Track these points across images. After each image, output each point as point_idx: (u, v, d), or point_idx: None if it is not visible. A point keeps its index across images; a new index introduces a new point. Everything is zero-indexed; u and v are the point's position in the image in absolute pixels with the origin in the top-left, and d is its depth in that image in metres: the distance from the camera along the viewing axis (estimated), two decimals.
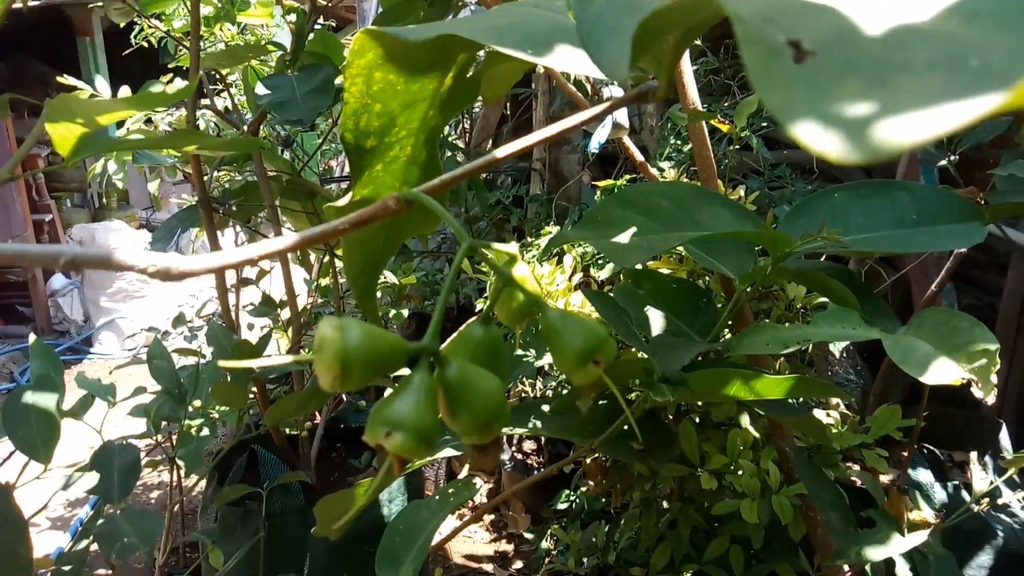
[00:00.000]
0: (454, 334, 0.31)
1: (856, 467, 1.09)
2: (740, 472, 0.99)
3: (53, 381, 0.75)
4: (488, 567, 1.71)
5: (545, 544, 1.62)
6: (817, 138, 0.15)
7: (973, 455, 1.03)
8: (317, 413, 1.56)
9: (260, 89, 1.08)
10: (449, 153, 2.08)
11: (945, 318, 0.62)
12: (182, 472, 1.18)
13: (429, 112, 0.38)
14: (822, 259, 0.93)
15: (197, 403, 1.06)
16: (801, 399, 1.05)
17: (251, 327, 1.75)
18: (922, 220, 0.72)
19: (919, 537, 0.77)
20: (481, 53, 0.41)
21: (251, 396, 1.25)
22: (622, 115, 1.19)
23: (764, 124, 1.76)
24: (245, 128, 1.27)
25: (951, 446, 1.31)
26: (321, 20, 1.42)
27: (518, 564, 1.71)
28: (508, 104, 2.72)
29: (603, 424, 0.82)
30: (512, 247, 0.31)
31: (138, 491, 2.11)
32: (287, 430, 1.45)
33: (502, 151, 0.32)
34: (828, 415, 1.12)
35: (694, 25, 0.27)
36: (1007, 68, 0.14)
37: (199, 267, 0.23)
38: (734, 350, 0.68)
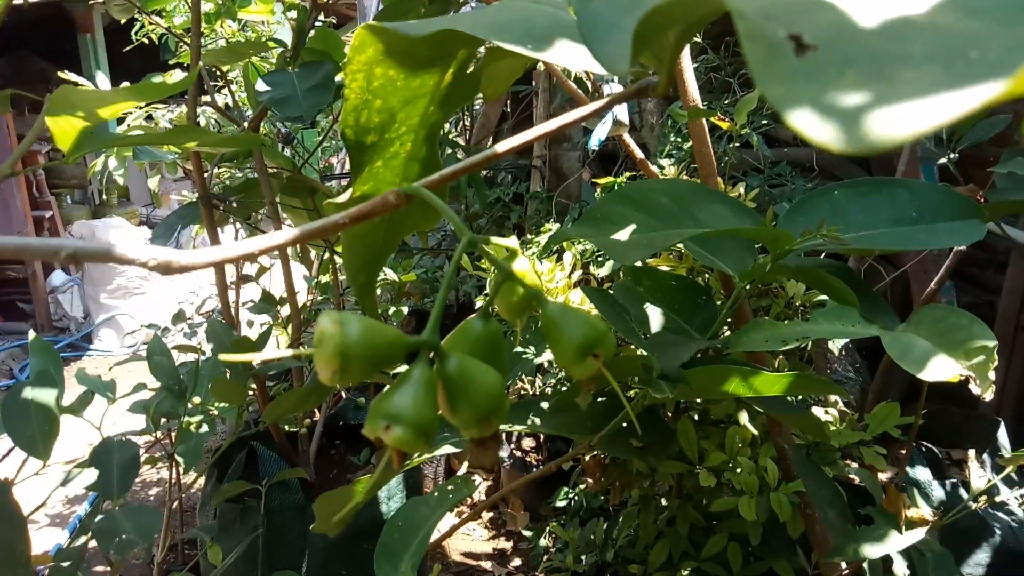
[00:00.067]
0: (454, 329, 0.31)
1: (854, 465, 1.09)
2: (739, 469, 0.99)
3: (53, 377, 0.75)
4: (486, 564, 1.71)
5: (544, 542, 1.63)
6: (816, 128, 0.15)
7: (971, 453, 1.03)
8: (316, 410, 1.57)
9: (261, 86, 1.08)
10: (449, 150, 2.08)
11: (944, 315, 0.62)
12: (181, 469, 1.19)
13: (429, 108, 0.38)
14: (822, 256, 0.93)
15: (196, 400, 1.06)
16: (800, 396, 1.05)
17: (251, 324, 1.75)
18: (922, 218, 0.72)
19: (917, 534, 0.77)
20: (481, 49, 0.41)
21: (250, 393, 1.25)
22: (623, 112, 1.19)
23: (764, 122, 1.76)
24: (246, 125, 1.27)
25: (949, 444, 1.31)
26: (322, 17, 1.42)
27: (516, 561, 1.71)
28: (509, 102, 2.72)
29: (602, 421, 0.82)
30: (512, 242, 0.31)
31: (137, 488, 2.11)
32: (286, 427, 1.46)
33: (502, 146, 0.32)
34: (827, 412, 1.12)
35: (695, 21, 0.27)
36: (1005, 58, 0.14)
37: (199, 261, 0.23)
38: (733, 347, 0.68)
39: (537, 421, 0.84)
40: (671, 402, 1.06)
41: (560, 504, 1.61)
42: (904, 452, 1.14)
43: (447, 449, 0.81)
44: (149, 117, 1.81)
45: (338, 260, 1.48)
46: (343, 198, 0.36)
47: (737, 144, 1.54)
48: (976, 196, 0.85)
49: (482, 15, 0.32)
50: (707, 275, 1.14)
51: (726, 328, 0.93)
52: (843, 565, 0.89)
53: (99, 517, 0.76)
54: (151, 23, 1.68)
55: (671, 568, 1.09)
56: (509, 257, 0.32)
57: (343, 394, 1.72)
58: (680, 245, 0.97)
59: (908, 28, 0.17)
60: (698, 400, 1.08)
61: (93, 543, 0.78)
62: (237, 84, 1.84)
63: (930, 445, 1.29)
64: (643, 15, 0.24)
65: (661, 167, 1.59)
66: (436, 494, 0.73)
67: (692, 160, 1.57)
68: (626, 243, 0.66)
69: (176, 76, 1.71)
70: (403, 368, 0.26)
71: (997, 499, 1.03)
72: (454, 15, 0.34)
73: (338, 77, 1.15)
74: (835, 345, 1.33)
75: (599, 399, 0.85)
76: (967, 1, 0.18)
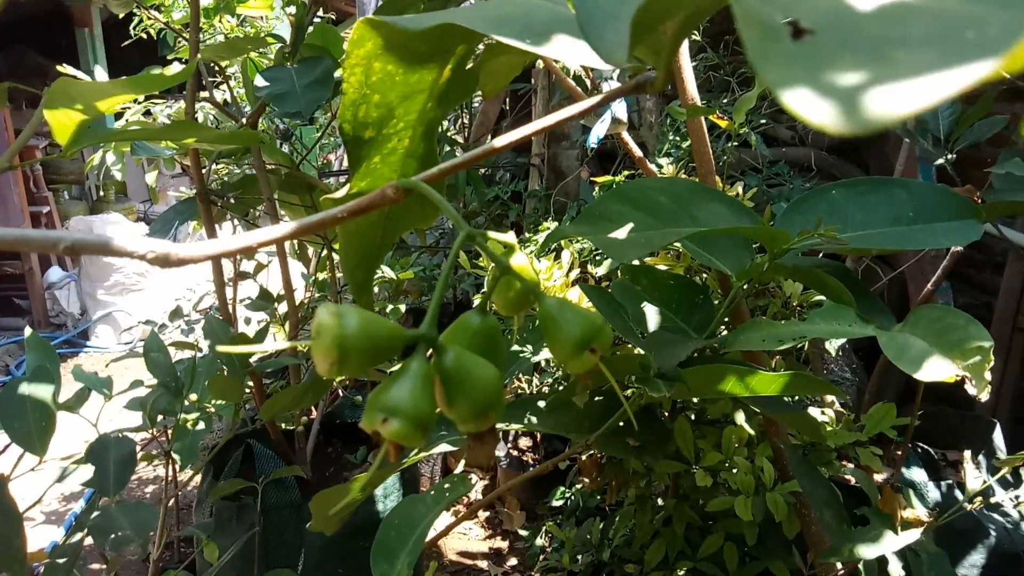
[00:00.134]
0: (451, 324, 0.31)
1: (850, 465, 1.10)
2: (735, 469, 1.00)
3: (49, 373, 0.75)
4: (482, 564, 1.71)
5: (540, 541, 1.63)
6: (812, 108, 0.15)
7: (967, 454, 1.03)
8: (313, 408, 1.56)
9: (259, 81, 1.08)
10: (448, 148, 2.08)
11: (940, 315, 0.62)
12: (177, 466, 1.18)
13: (427, 104, 0.38)
14: (819, 256, 0.93)
15: (193, 397, 1.06)
16: (796, 396, 1.05)
17: (248, 321, 1.75)
18: (919, 218, 0.72)
19: (912, 535, 0.77)
20: (480, 46, 0.41)
21: (247, 390, 1.25)
22: (621, 110, 1.19)
23: (763, 121, 1.76)
24: (244, 121, 1.27)
25: (945, 445, 1.31)
26: (320, 13, 1.42)
27: (512, 561, 1.71)
28: (507, 99, 2.72)
29: (599, 420, 0.82)
30: (510, 237, 0.31)
31: (133, 485, 2.11)
32: (283, 425, 1.45)
33: (500, 141, 0.32)
34: (823, 413, 1.12)
35: (693, 13, 0.26)
36: (1001, 37, 0.14)
37: (198, 254, 0.23)
38: (730, 346, 0.68)
39: (534, 420, 0.84)
40: (668, 401, 1.06)
41: (556, 503, 1.61)
42: (900, 453, 1.14)
43: (443, 448, 0.81)
44: (147, 112, 1.80)
45: (335, 257, 1.48)
46: (340, 194, 0.36)
47: (735, 143, 1.54)
48: (973, 197, 0.85)
49: (481, 10, 0.32)
50: (705, 274, 1.14)
51: (723, 327, 0.93)
52: (839, 565, 0.89)
53: (95, 514, 0.76)
54: (149, 18, 1.67)
55: (667, 568, 1.10)
56: (506, 253, 0.32)
57: (340, 392, 1.72)
58: (678, 244, 0.97)
59: (906, 12, 0.17)
60: (695, 400, 1.08)
61: (89, 540, 0.78)
62: (235, 80, 1.84)
63: (926, 446, 1.29)
64: (641, 4, 0.24)
65: (659, 166, 1.59)
66: (432, 492, 0.73)
67: (690, 159, 1.57)
68: (624, 241, 0.66)
69: (175, 69, 1.71)
70: (398, 365, 0.26)
71: (992, 500, 1.03)
72: (453, 9, 0.34)
73: (337, 73, 1.15)
74: (832, 345, 1.33)
75: (596, 398, 0.85)
76: None
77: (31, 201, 3.82)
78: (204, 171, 1.24)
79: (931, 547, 0.78)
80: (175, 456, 1.08)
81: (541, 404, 0.85)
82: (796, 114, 0.15)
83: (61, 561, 0.69)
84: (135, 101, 1.65)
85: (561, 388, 1.46)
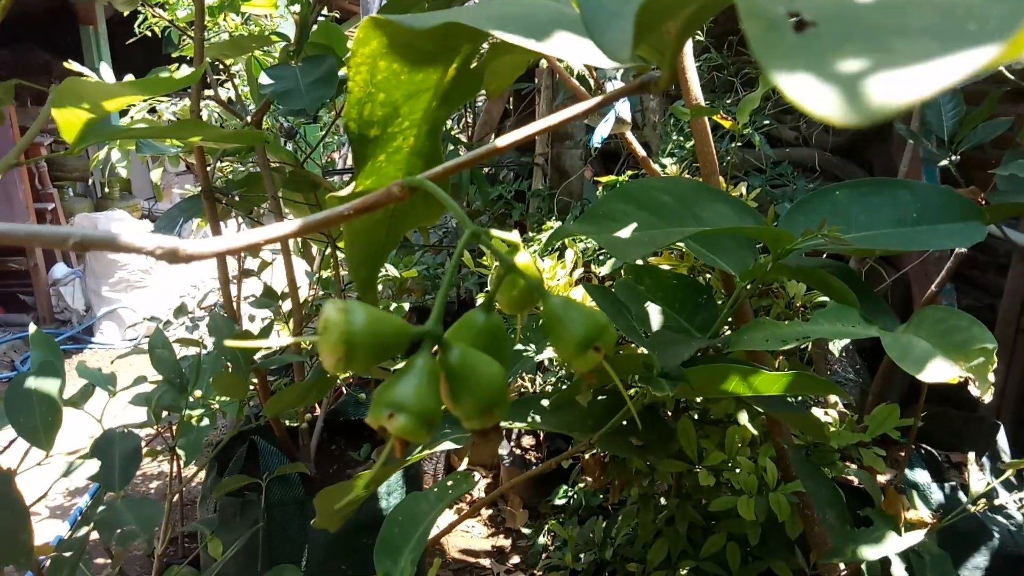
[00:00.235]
0: (456, 322, 0.31)
1: (853, 466, 1.10)
2: (738, 469, 1.00)
3: (56, 367, 0.75)
4: (485, 562, 1.72)
5: (542, 539, 1.63)
6: (814, 99, 0.15)
7: (971, 456, 1.03)
8: (317, 405, 1.57)
9: (264, 79, 1.08)
10: (451, 147, 2.08)
11: (944, 316, 0.62)
12: (182, 462, 1.19)
13: (433, 103, 0.38)
14: (823, 257, 0.93)
15: (198, 393, 1.06)
16: (799, 397, 1.05)
17: (252, 319, 1.76)
18: (923, 219, 0.72)
19: (915, 537, 0.77)
20: (485, 45, 0.41)
21: (251, 387, 1.25)
22: (625, 110, 1.19)
23: (767, 122, 1.76)
24: (248, 119, 1.27)
25: (948, 446, 1.31)
26: (325, 11, 1.42)
27: (515, 559, 1.71)
28: (511, 99, 2.73)
29: (602, 419, 0.82)
30: (514, 236, 0.31)
31: (137, 481, 2.12)
32: (287, 422, 1.46)
33: (503, 140, 0.32)
34: (826, 413, 1.12)
35: (696, 10, 0.27)
36: (1001, 26, 0.15)
37: (206, 250, 0.23)
38: (734, 346, 0.68)
39: (537, 418, 0.84)
40: (671, 401, 1.06)
41: (559, 502, 1.61)
42: (903, 454, 1.14)
43: (447, 445, 0.81)
44: (152, 110, 1.81)
45: (340, 255, 1.48)
46: (345, 192, 0.36)
47: (739, 144, 1.54)
48: (978, 198, 0.85)
49: (486, 9, 0.32)
50: (708, 274, 1.14)
51: (726, 327, 0.93)
52: (841, 566, 0.89)
53: (101, 508, 0.76)
54: (154, 16, 1.68)
55: (670, 567, 1.10)
56: (511, 251, 0.32)
57: (344, 390, 1.73)
58: (681, 244, 0.97)
59: (906, 3, 0.17)
60: (698, 399, 1.08)
61: (94, 534, 0.78)
62: (240, 78, 1.84)
63: (929, 448, 1.29)
64: (644, 2, 0.24)
65: (663, 166, 1.59)
66: (436, 490, 0.73)
67: (694, 159, 1.57)
68: (628, 241, 0.66)
69: (183, 71, 1.71)
70: (402, 363, 0.26)
71: (996, 503, 1.03)
72: (457, 8, 0.35)
73: (341, 72, 1.15)
74: (835, 346, 1.33)
75: (599, 397, 0.85)
76: None
77: (36, 198, 3.83)
78: (209, 169, 1.25)
79: (934, 549, 0.78)
80: (179, 452, 1.08)
81: (545, 403, 0.86)
82: (799, 105, 0.15)
83: (67, 555, 0.69)
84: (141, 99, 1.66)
85: (564, 387, 1.46)
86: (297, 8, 1.23)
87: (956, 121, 1.09)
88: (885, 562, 0.81)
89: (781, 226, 0.75)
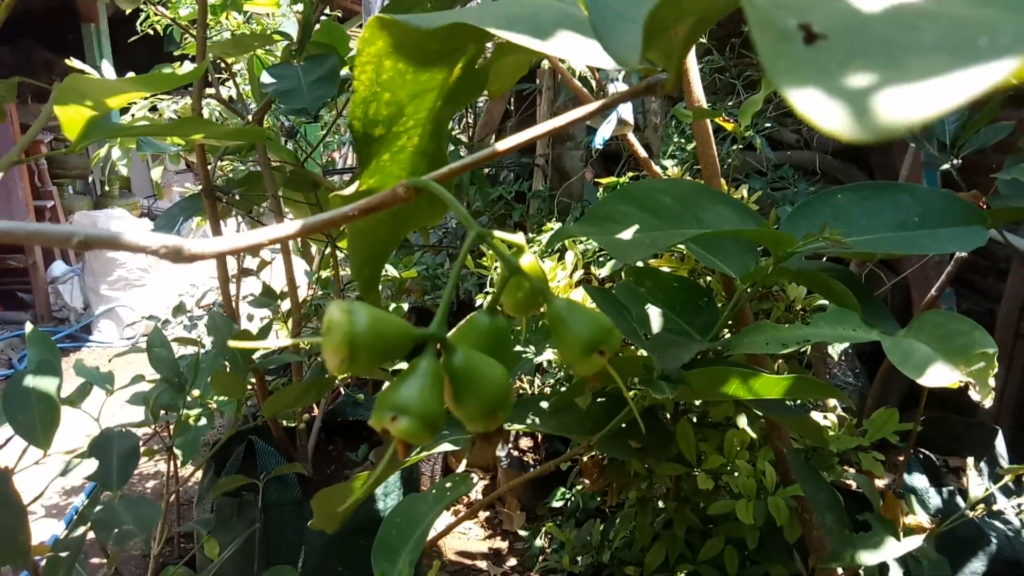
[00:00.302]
0: (459, 323, 0.31)
1: (852, 470, 1.09)
2: (736, 473, 0.99)
3: (54, 366, 0.75)
4: (482, 564, 1.71)
5: (539, 542, 1.63)
6: (824, 114, 0.15)
7: (970, 461, 1.03)
8: (315, 406, 1.57)
9: (266, 78, 1.08)
10: (452, 147, 2.08)
11: (944, 321, 0.62)
12: (179, 461, 1.19)
13: (437, 103, 0.38)
14: (822, 260, 0.93)
15: (196, 392, 1.06)
16: (798, 400, 1.05)
17: (251, 318, 1.75)
18: (925, 223, 0.72)
19: (914, 542, 0.77)
20: (489, 45, 0.41)
21: (249, 387, 1.25)
22: (627, 112, 1.19)
23: (768, 125, 1.76)
24: (250, 117, 1.27)
25: (946, 451, 1.31)
26: (327, 11, 1.42)
27: (512, 561, 1.71)
28: (512, 99, 2.72)
29: (601, 421, 0.82)
30: (519, 238, 0.31)
31: (134, 480, 2.11)
32: (285, 422, 1.46)
33: (504, 143, 0.32)
34: (825, 417, 1.12)
35: (705, 15, 0.27)
36: (1014, 43, 0.14)
37: (210, 250, 0.23)
38: (734, 349, 0.68)
39: (536, 421, 0.84)
40: (670, 404, 1.06)
41: (556, 504, 1.61)
42: (902, 459, 1.14)
43: (445, 447, 0.81)
44: (153, 108, 1.81)
45: (339, 255, 1.48)
46: (349, 191, 0.36)
47: (741, 146, 1.54)
48: (979, 202, 0.85)
49: (492, 9, 0.32)
50: (708, 277, 1.14)
51: (727, 330, 0.93)
52: (840, 571, 0.89)
53: (98, 508, 0.76)
54: (156, 14, 1.67)
55: (667, 570, 1.09)
56: (515, 253, 0.32)
57: (342, 390, 1.72)
58: (682, 246, 0.97)
59: (917, 17, 0.17)
60: (697, 402, 1.08)
61: (91, 534, 0.78)
62: (241, 76, 1.84)
63: (927, 452, 1.29)
64: (654, 6, 0.24)
65: (664, 168, 1.59)
66: (434, 491, 0.73)
67: (695, 161, 1.57)
68: (629, 242, 0.66)
69: (185, 68, 1.71)
70: (402, 365, 0.26)
71: (994, 508, 1.03)
72: (463, 8, 0.34)
73: (343, 71, 1.15)
74: (834, 350, 1.33)
75: (598, 399, 0.85)
76: None
77: (36, 195, 3.82)
78: (209, 167, 1.25)
79: (932, 554, 0.78)
80: (177, 451, 1.08)
81: (544, 405, 0.85)
82: (808, 119, 0.15)
83: (64, 555, 0.69)
84: (142, 96, 1.66)
85: (563, 389, 1.46)
86: (300, 7, 1.23)
87: (958, 125, 1.09)
88: (883, 567, 0.81)
89: (782, 229, 0.75)
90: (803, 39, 0.17)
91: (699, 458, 1.02)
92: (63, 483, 2.05)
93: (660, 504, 1.16)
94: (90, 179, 4.61)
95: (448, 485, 0.74)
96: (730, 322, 0.84)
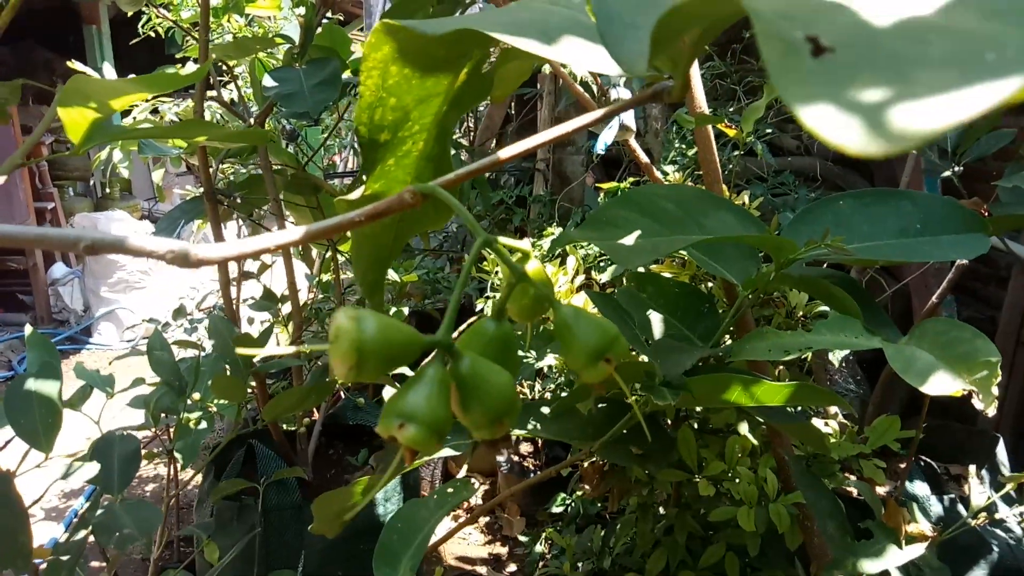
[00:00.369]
0: (463, 327, 0.31)
1: (853, 477, 1.09)
2: (738, 479, 0.99)
3: (55, 369, 0.75)
4: (482, 570, 1.71)
5: (539, 547, 1.62)
6: (833, 128, 0.15)
7: (972, 469, 1.03)
8: (315, 410, 1.56)
9: (268, 81, 1.08)
10: (453, 151, 2.08)
11: (946, 328, 0.62)
12: (179, 465, 1.18)
13: (443, 108, 0.38)
14: (823, 267, 0.93)
15: (196, 396, 1.06)
16: (799, 407, 1.05)
17: (251, 321, 1.75)
18: (926, 230, 0.72)
19: (916, 550, 0.77)
20: (493, 49, 0.41)
21: (250, 391, 1.25)
22: (629, 117, 1.19)
23: (769, 131, 1.76)
24: (251, 120, 1.27)
25: (948, 459, 1.31)
26: (329, 14, 1.42)
27: (512, 567, 1.71)
28: (512, 104, 2.73)
29: (603, 427, 0.81)
30: (525, 244, 0.31)
31: (133, 484, 2.11)
32: (285, 426, 1.45)
33: (508, 151, 0.32)
34: (826, 424, 1.12)
35: (712, 24, 0.27)
36: (1020, 58, 0.14)
37: (216, 255, 0.23)
38: (736, 355, 0.68)
39: (537, 426, 0.84)
40: (671, 410, 1.05)
41: (557, 510, 1.61)
42: (903, 466, 1.13)
43: (446, 452, 0.80)
44: (155, 110, 1.81)
45: (340, 258, 1.48)
46: (355, 195, 0.36)
47: (742, 152, 1.54)
48: (980, 210, 0.85)
49: (499, 15, 0.32)
50: (710, 283, 1.14)
51: (728, 336, 0.93)
52: None
53: (99, 511, 0.76)
54: (158, 16, 1.68)
55: None
56: (521, 259, 0.32)
57: (342, 394, 1.72)
58: (683, 252, 0.97)
59: (925, 31, 0.17)
60: (698, 409, 1.08)
61: (90, 537, 0.77)
62: (243, 79, 1.84)
63: (928, 460, 1.29)
64: (661, 15, 0.24)
65: (665, 173, 1.59)
66: (435, 496, 0.72)
67: (696, 167, 1.57)
68: (631, 247, 0.66)
69: (188, 69, 1.71)
70: (405, 370, 0.26)
71: (996, 516, 1.03)
72: (470, 15, 0.34)
73: (345, 75, 1.15)
74: (835, 357, 1.32)
75: (600, 405, 0.84)
76: (984, 3, 0.18)
77: (36, 197, 3.82)
78: (211, 170, 1.25)
79: (934, 562, 0.78)
80: (177, 455, 1.08)
81: (545, 410, 0.85)
82: (817, 134, 0.15)
83: (64, 558, 0.69)
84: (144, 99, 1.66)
85: (564, 394, 1.46)
86: (301, 10, 1.23)
87: (959, 133, 1.09)
88: (885, 575, 0.81)
89: (784, 235, 0.75)
90: (810, 52, 0.17)
91: (700, 464, 1.01)
92: (62, 485, 2.05)
93: (661, 510, 1.15)
94: (91, 181, 4.61)
95: (450, 490, 0.74)
96: (731, 328, 0.84)
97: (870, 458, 1.05)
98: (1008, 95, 0.14)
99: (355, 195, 0.35)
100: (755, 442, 1.02)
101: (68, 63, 1.49)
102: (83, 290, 3.72)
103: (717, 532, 1.09)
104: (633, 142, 1.12)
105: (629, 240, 0.67)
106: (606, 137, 1.26)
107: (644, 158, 1.08)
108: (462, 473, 1.87)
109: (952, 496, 1.15)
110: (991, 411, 0.55)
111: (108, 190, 4.69)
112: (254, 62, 1.53)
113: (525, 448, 1.90)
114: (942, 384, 0.55)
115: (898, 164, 1.66)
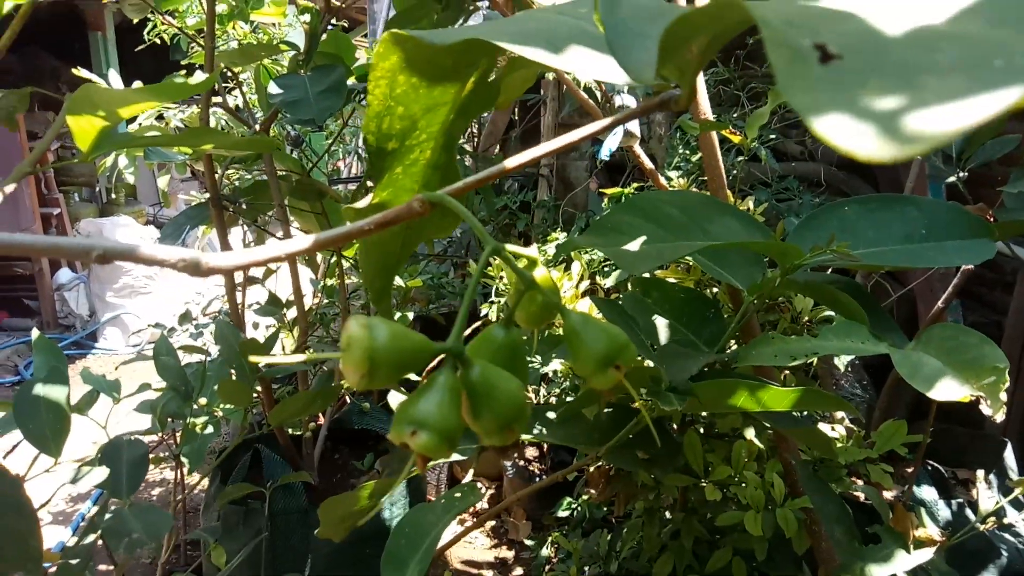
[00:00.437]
0: (467, 331, 0.31)
1: (860, 482, 1.09)
2: (744, 484, 0.99)
3: (64, 374, 0.75)
4: (488, 573, 1.71)
5: (545, 552, 1.62)
6: (847, 135, 0.15)
7: (980, 474, 1.03)
8: (321, 414, 1.57)
9: (273, 88, 1.09)
10: (456, 157, 2.09)
11: (953, 334, 0.62)
12: (185, 469, 1.19)
13: (450, 116, 0.38)
14: (828, 272, 0.93)
15: (203, 401, 1.06)
16: (806, 412, 1.05)
17: (256, 326, 1.76)
18: (931, 235, 0.72)
19: (924, 555, 0.76)
20: (500, 59, 0.41)
21: (256, 395, 1.25)
22: (633, 123, 1.19)
23: (773, 136, 1.76)
24: (256, 127, 1.28)
25: (955, 463, 1.31)
26: (333, 21, 1.43)
27: (518, 571, 1.70)
28: (516, 109, 2.73)
29: (609, 432, 0.81)
30: (532, 251, 0.31)
31: (140, 488, 2.11)
32: (291, 430, 1.46)
33: (515, 160, 0.33)
34: (833, 429, 1.12)
35: (720, 32, 0.27)
36: None
37: (227, 263, 0.23)
38: (742, 361, 0.68)
39: (543, 431, 0.84)
40: (677, 415, 1.05)
41: (563, 514, 1.60)
42: (910, 471, 1.13)
43: (454, 456, 0.80)
44: (160, 117, 1.82)
45: (344, 264, 1.48)
46: (363, 204, 0.36)
47: (746, 158, 1.54)
48: (986, 215, 0.85)
49: (506, 24, 0.33)
50: (715, 288, 1.14)
51: (733, 342, 0.93)
52: None
53: (108, 516, 0.76)
54: (164, 23, 1.69)
55: None
56: (528, 266, 0.32)
57: (347, 399, 1.73)
58: (688, 257, 0.97)
59: (933, 38, 0.17)
60: (704, 413, 1.07)
61: (98, 541, 0.78)
62: (248, 86, 1.85)
63: (936, 464, 1.28)
64: (669, 24, 0.24)
65: (669, 179, 1.59)
66: (443, 501, 0.73)
67: (700, 172, 1.58)
68: (636, 253, 0.66)
69: (196, 77, 1.72)
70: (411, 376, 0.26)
71: (1004, 521, 1.03)
72: (477, 24, 0.35)
73: (349, 81, 1.16)
74: (841, 362, 1.32)
75: (606, 410, 0.84)
76: (991, 10, 0.18)
77: (42, 203, 3.84)
78: (216, 176, 1.25)
79: (943, 567, 0.78)
80: (183, 459, 1.08)
81: (551, 415, 0.85)
82: (826, 139, 0.15)
83: (74, 562, 0.69)
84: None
85: (569, 399, 1.46)
86: (306, 17, 1.24)
87: (963, 138, 1.09)
88: None
89: (789, 241, 0.75)
90: (818, 59, 0.17)
91: (706, 469, 1.01)
92: (70, 490, 2.05)
93: (667, 515, 1.15)
94: (96, 187, 4.63)
95: (457, 495, 0.74)
96: (737, 334, 0.84)
97: (877, 462, 1.05)
98: (1016, 100, 0.14)
99: (363, 203, 0.36)
100: (761, 447, 1.02)
101: (74, 70, 1.50)
102: (89, 295, 3.73)
103: (724, 536, 1.08)
104: (637, 148, 1.13)
105: (634, 246, 0.68)
106: (610, 143, 1.27)
107: (648, 164, 1.08)
108: (468, 477, 1.87)
109: (960, 500, 1.15)
110: (999, 417, 0.55)
111: (113, 195, 4.70)
112: (259, 69, 1.54)
113: (531, 452, 1.90)
114: (949, 390, 0.55)
115: (903, 169, 1.66)
